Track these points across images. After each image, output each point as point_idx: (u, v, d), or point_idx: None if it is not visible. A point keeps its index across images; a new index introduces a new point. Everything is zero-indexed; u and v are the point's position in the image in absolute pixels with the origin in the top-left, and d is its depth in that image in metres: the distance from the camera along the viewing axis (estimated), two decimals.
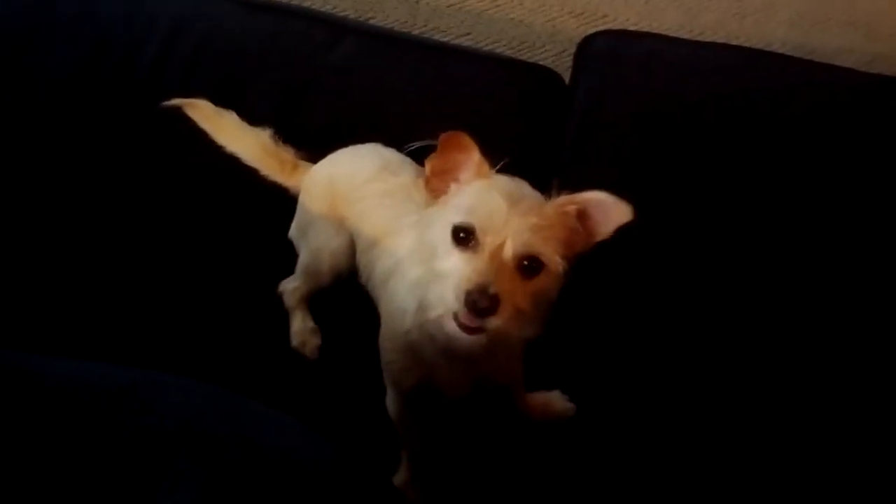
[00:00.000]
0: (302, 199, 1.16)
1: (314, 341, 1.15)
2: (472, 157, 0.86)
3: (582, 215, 0.86)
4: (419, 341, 0.93)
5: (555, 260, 0.83)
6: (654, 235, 1.20)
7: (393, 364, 1.00)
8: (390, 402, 1.05)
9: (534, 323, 0.86)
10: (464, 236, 0.83)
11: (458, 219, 0.83)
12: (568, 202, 0.86)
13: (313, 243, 1.13)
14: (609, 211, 0.85)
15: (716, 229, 1.21)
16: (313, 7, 1.94)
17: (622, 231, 0.86)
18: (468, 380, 0.99)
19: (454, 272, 0.82)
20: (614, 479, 1.06)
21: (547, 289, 0.85)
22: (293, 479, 0.67)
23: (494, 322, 0.80)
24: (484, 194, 0.84)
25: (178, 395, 0.72)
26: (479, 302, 0.79)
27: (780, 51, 1.63)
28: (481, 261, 0.81)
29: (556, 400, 1.13)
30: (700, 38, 1.96)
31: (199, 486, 0.61)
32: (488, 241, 0.82)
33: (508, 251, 0.81)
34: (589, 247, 0.87)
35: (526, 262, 0.83)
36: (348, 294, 1.10)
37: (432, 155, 0.86)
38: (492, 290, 0.79)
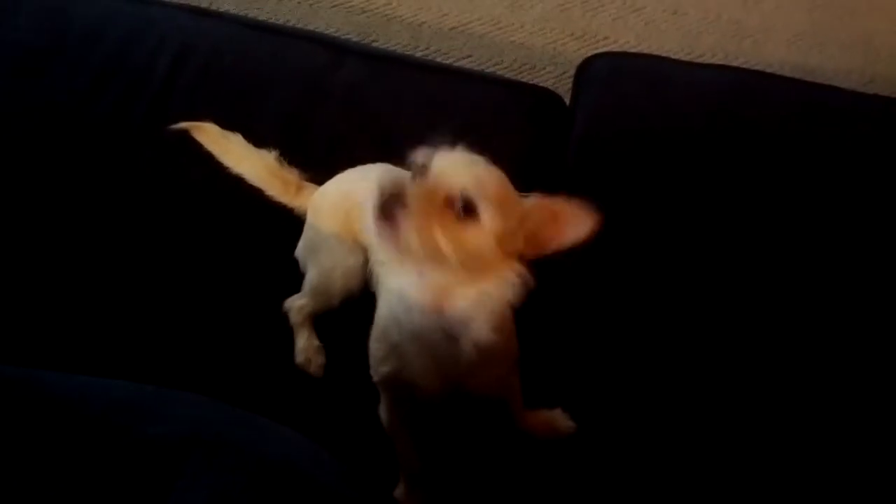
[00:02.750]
0: (311, 218, 1.17)
1: (319, 359, 1.15)
2: None
3: (553, 219, 0.87)
4: (393, 319, 0.95)
5: (494, 219, 0.84)
6: (654, 252, 1.22)
7: (373, 352, 1.00)
8: (381, 408, 1.06)
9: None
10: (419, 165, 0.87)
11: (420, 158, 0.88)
12: (547, 202, 0.88)
13: (325, 262, 1.14)
14: (579, 221, 0.87)
15: (715, 247, 1.22)
16: (317, 30, 1.98)
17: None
18: (438, 378, 0.97)
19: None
20: (617, 498, 1.06)
21: (478, 244, 0.84)
22: (300, 487, 0.67)
23: (404, 226, 0.82)
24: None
25: (185, 406, 0.73)
26: (387, 197, 0.83)
27: (779, 72, 1.64)
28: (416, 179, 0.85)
29: (557, 418, 1.12)
30: (699, 60, 1.99)
31: (210, 491, 0.62)
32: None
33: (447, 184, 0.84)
34: (537, 255, 0.88)
35: (462, 204, 0.84)
36: (353, 312, 1.11)
37: None
38: (406, 194, 0.83)
